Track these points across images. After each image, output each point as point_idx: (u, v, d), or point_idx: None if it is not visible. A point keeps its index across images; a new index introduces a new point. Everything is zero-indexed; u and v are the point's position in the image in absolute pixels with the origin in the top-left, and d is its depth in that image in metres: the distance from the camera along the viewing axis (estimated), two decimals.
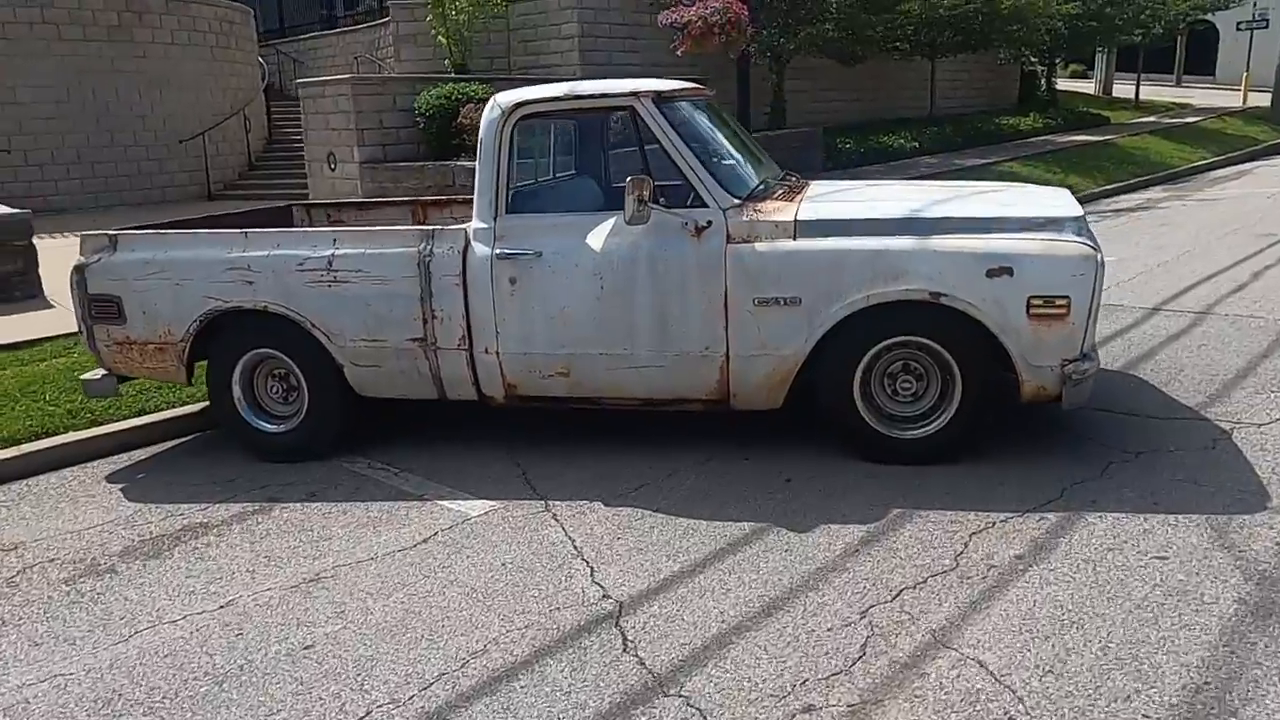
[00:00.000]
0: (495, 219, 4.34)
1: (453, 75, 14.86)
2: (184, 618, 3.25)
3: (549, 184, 4.99)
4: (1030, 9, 17.43)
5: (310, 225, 6.41)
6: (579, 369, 4.32)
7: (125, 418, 5.37)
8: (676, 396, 4.32)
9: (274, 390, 4.83)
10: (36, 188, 13.61)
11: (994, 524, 3.53)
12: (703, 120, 4.73)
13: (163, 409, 5.41)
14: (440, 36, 15.15)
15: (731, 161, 4.61)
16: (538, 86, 4.54)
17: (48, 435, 5.14)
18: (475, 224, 4.37)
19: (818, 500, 3.84)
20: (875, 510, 3.70)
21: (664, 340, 4.20)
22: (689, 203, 4.18)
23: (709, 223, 4.13)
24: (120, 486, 4.60)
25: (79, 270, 4.82)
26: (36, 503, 4.46)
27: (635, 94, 4.25)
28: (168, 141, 14.69)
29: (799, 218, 4.12)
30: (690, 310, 4.14)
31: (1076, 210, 4.14)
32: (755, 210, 4.18)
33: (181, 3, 14.86)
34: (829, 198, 4.52)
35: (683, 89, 4.57)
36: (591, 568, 3.40)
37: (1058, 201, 4.36)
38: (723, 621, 2.99)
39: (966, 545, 3.38)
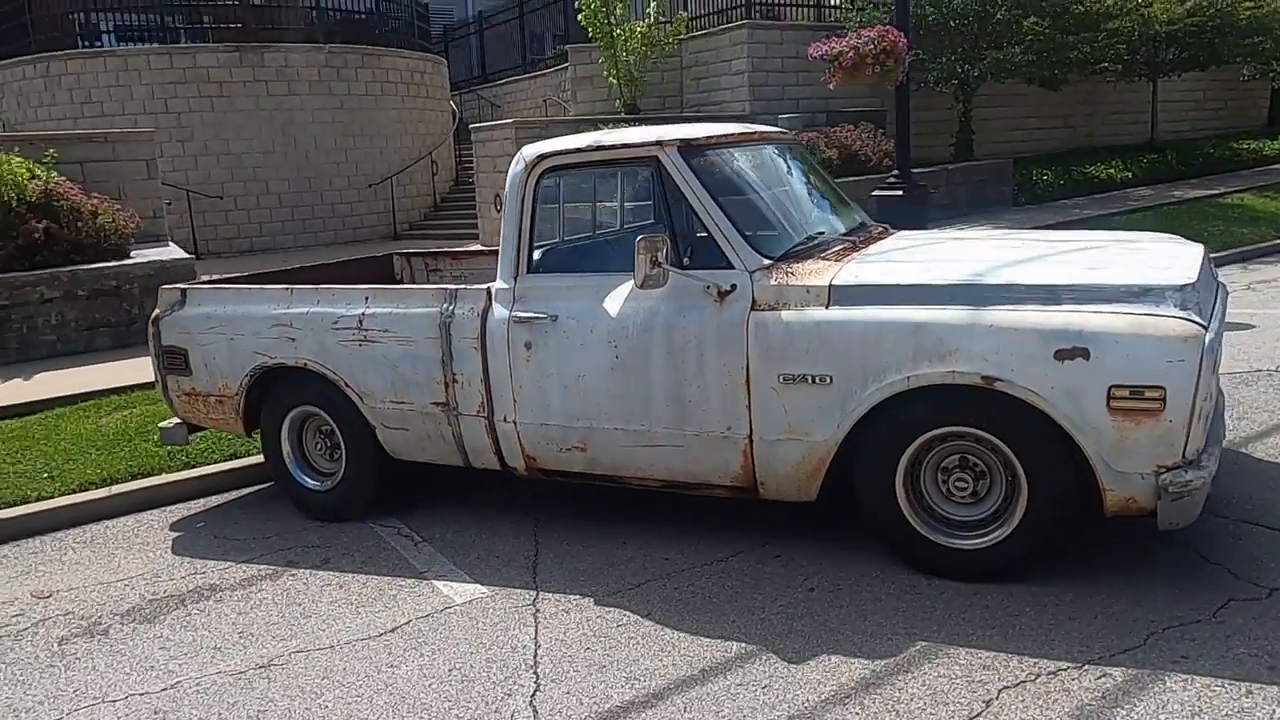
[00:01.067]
0: (516, 279, 4.06)
1: (621, 115, 14.93)
2: (124, 698, 3.14)
3: (575, 242, 4.65)
4: (1275, 17, 15.25)
5: (409, 275, 6.45)
6: (595, 444, 3.93)
7: (215, 461, 5.55)
8: (698, 481, 3.82)
9: (319, 447, 4.78)
10: (244, 230, 14.91)
11: (1037, 676, 2.78)
12: (755, 168, 4.23)
13: (249, 454, 5.53)
14: (611, 78, 15.30)
15: (777, 216, 4.08)
16: (565, 138, 4.22)
17: (144, 476, 5.38)
18: (497, 284, 4.11)
19: (834, 618, 3.22)
20: (895, 641, 3.04)
21: (682, 417, 3.73)
22: (720, 264, 3.71)
23: (733, 286, 3.64)
24: (175, 535, 4.68)
25: (155, 322, 5.00)
26: (98, 547, 4.61)
27: (659, 143, 3.83)
28: (359, 185, 15.68)
29: (834, 282, 3.53)
30: (710, 385, 3.65)
31: (1186, 275, 3.28)
32: (788, 273, 3.63)
33: (375, 57, 15.88)
34: (890, 256, 3.88)
35: (724, 135, 4.09)
36: (537, 685, 2.98)
37: (1170, 262, 3.49)
38: None
39: (989, 704, 2.67)
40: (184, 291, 5.00)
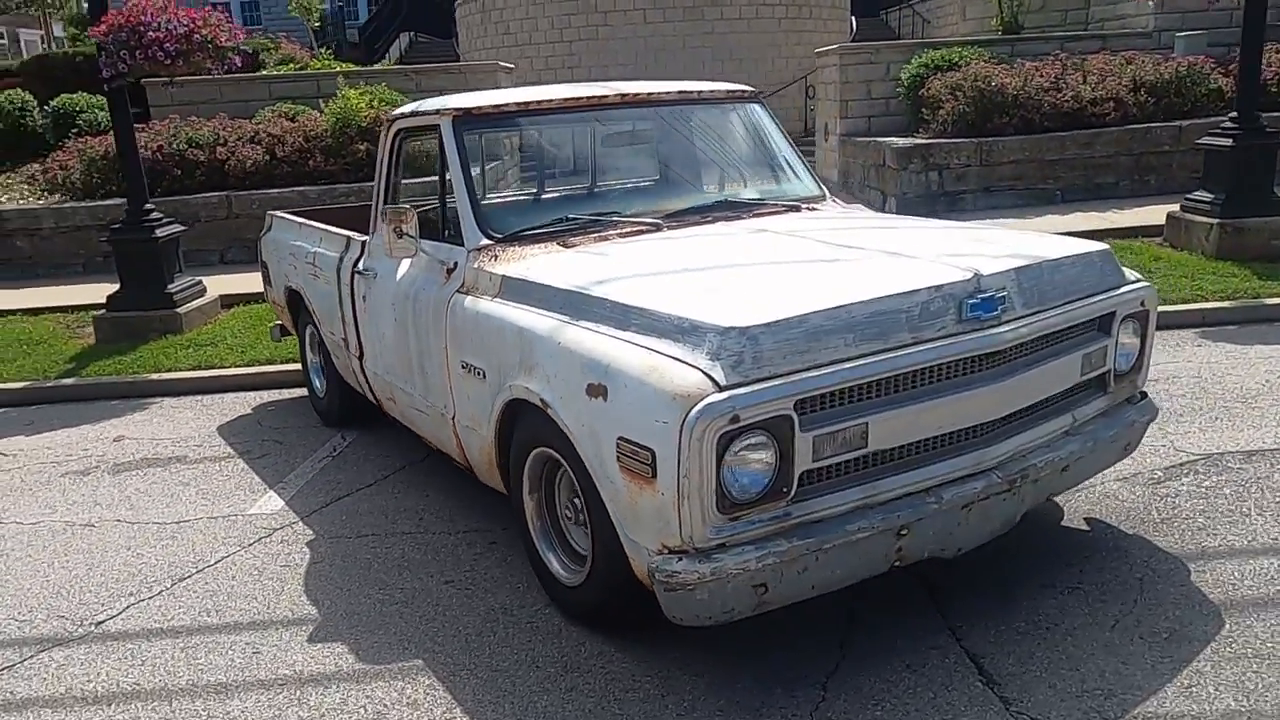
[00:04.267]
0: (371, 234, 4.35)
1: (997, 37, 13.19)
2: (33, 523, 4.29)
3: (416, 203, 4.65)
4: None
5: None
6: (397, 399, 4.15)
7: None
8: (446, 453, 3.86)
9: (321, 361, 5.59)
10: None
11: None
12: (577, 138, 3.93)
13: None
14: None
15: (557, 193, 3.78)
16: (433, 99, 4.28)
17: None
18: (369, 236, 4.44)
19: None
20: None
21: (426, 388, 3.79)
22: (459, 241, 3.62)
23: (455, 264, 3.56)
24: (243, 414, 5.91)
25: (259, 241, 6.19)
26: (201, 410, 6.02)
27: (439, 111, 3.78)
28: None
29: (506, 273, 3.28)
30: (433, 361, 3.65)
31: (760, 314, 2.44)
32: (494, 256, 3.43)
33: None
34: (627, 248, 3.39)
35: (523, 103, 3.81)
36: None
37: (809, 287, 2.61)
38: None
39: None
40: (272, 218, 6.08)
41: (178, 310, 7.79)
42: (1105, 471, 3.89)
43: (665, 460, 2.37)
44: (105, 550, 3.90)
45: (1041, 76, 10.39)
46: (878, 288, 2.63)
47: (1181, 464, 3.97)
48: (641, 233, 3.58)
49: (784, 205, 3.97)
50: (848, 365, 2.49)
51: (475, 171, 3.70)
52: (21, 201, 11.30)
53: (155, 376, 6.66)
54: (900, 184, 10.14)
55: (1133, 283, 3.22)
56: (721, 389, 2.35)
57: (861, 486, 2.60)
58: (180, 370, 6.72)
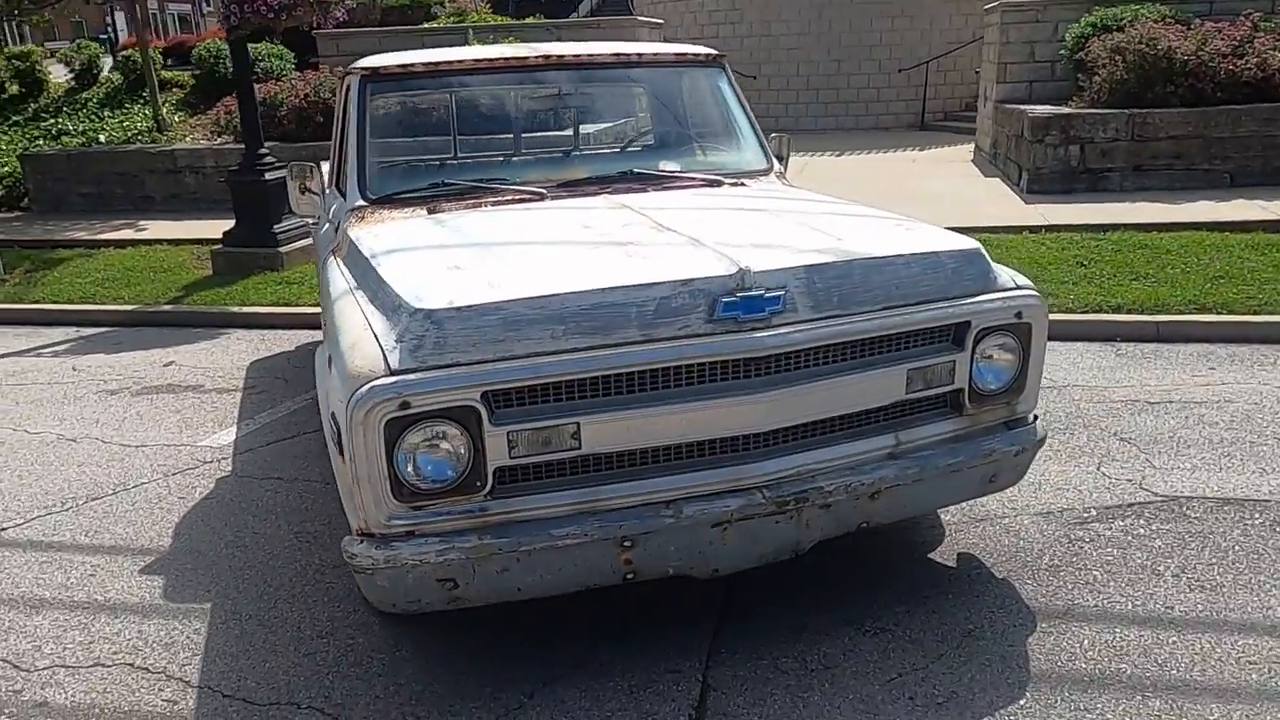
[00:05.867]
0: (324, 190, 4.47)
1: None
2: (35, 433, 4.85)
3: None
4: None
5: None
6: None
7: None
8: None
9: None
10: (773, 109, 15.77)
11: None
12: (497, 99, 3.81)
13: None
14: None
15: (454, 157, 3.69)
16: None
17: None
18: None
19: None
20: None
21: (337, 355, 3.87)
22: None
23: (339, 224, 3.60)
24: (284, 350, 6.33)
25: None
26: (255, 344, 6.51)
27: (350, 71, 3.80)
28: (889, 70, 15.11)
29: (356, 236, 3.26)
30: (330, 319, 3.72)
31: (456, 299, 2.27)
32: (360, 218, 3.43)
33: None
34: (461, 221, 3.27)
35: (448, 62, 3.75)
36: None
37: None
38: None
39: None
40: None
41: (280, 249, 8.39)
42: (1023, 503, 3.42)
43: (345, 440, 2.31)
44: (65, 464, 4.33)
45: (1222, 39, 8.98)
46: (609, 278, 2.41)
47: (1131, 504, 3.40)
48: (521, 201, 3.46)
49: (702, 179, 3.70)
50: (550, 359, 2.31)
51: (373, 131, 3.70)
52: (204, 142, 12.53)
53: (237, 309, 7.25)
54: (1034, 158, 9.15)
55: (1005, 290, 2.76)
56: (393, 373, 2.25)
57: (578, 491, 2.41)
58: (260, 305, 7.27)
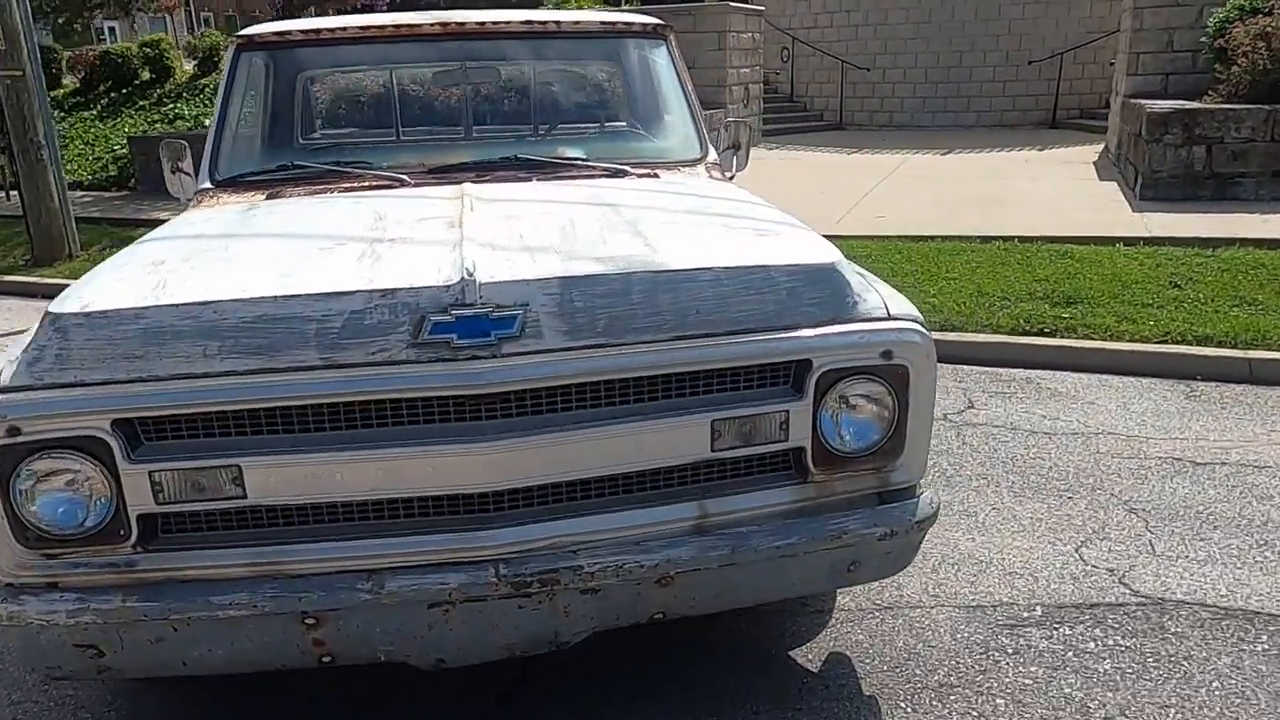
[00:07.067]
0: None
1: None
2: None
3: None
4: None
5: None
6: None
7: None
8: None
9: None
10: (887, 104, 14.72)
11: None
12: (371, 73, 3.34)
13: None
14: None
15: (322, 138, 3.24)
16: None
17: None
18: None
19: None
20: None
21: None
22: None
23: (187, 204, 3.23)
24: None
25: None
26: None
27: (232, 39, 3.41)
28: (1017, 62, 13.77)
29: (180, 219, 2.87)
30: None
31: (88, 304, 1.80)
32: (199, 202, 3.04)
33: None
34: (288, 208, 2.80)
35: (329, 30, 3.30)
36: None
37: None
38: None
39: None
40: None
41: None
42: (953, 589, 2.68)
43: None
44: None
45: None
46: (295, 284, 1.89)
47: (1095, 604, 2.60)
48: (376, 188, 2.98)
49: (603, 168, 3.12)
50: (201, 384, 1.81)
51: (241, 105, 3.31)
52: None
53: None
54: (1150, 159, 7.94)
55: (869, 321, 2.07)
56: (4, 390, 1.82)
57: (252, 549, 1.92)
58: None
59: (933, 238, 7.29)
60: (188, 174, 3.36)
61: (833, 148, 12.81)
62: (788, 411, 2.03)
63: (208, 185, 3.11)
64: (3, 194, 11.41)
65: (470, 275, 1.87)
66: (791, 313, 2.02)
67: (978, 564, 2.83)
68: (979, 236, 7.21)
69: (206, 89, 14.57)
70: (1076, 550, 2.91)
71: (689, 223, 2.38)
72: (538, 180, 3.01)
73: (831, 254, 2.12)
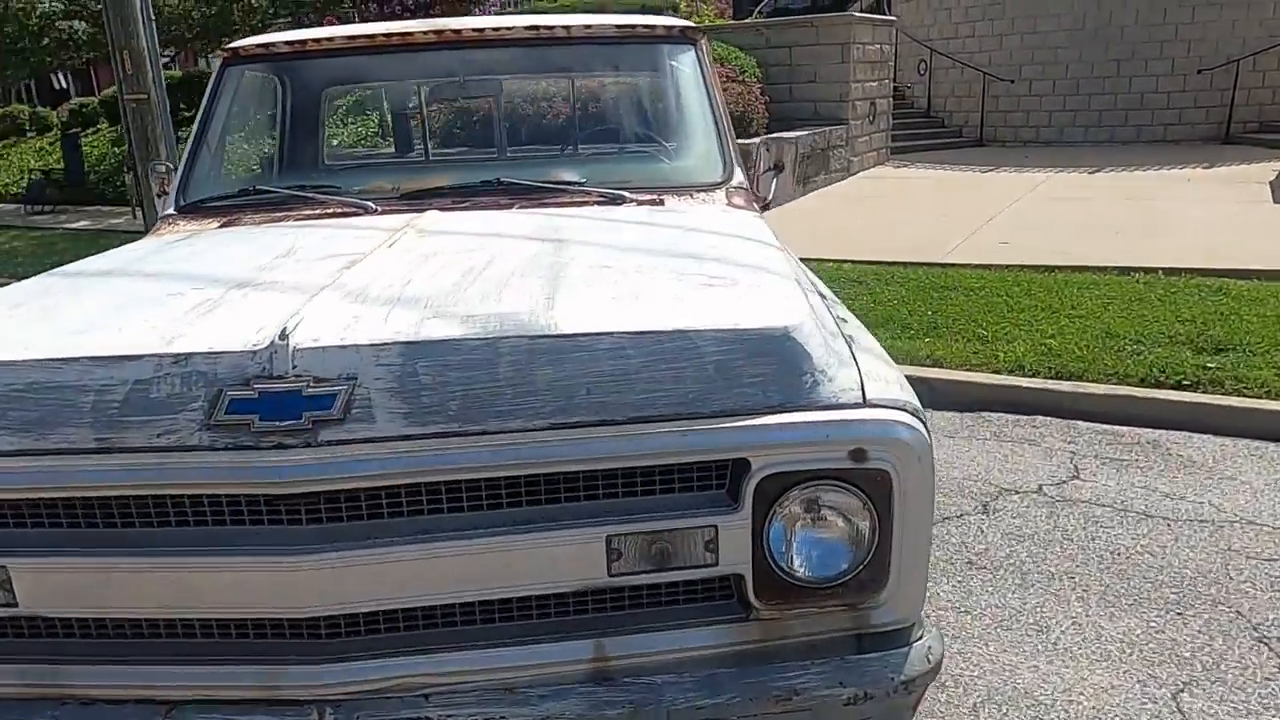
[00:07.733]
0: None
1: None
2: None
3: None
4: None
5: None
6: None
7: None
8: None
9: None
10: (1033, 118, 13.56)
11: None
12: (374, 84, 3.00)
13: None
14: None
15: (308, 158, 2.92)
16: None
17: None
18: None
19: None
20: None
21: None
22: None
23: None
24: None
25: None
26: None
27: (220, 51, 3.15)
28: (1186, 71, 12.35)
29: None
30: None
31: None
32: (158, 230, 2.77)
33: None
34: (239, 237, 2.47)
35: (315, 40, 2.98)
36: None
37: None
38: None
39: None
40: None
41: None
42: None
43: None
44: None
45: None
46: (74, 344, 1.52)
47: None
48: (338, 216, 2.63)
49: (599, 194, 2.65)
50: None
51: (220, 123, 3.04)
52: None
53: None
54: None
55: (832, 409, 1.51)
56: None
57: (24, 667, 1.56)
58: None
59: (1061, 268, 6.44)
60: (170, 195, 3.13)
61: (967, 165, 11.86)
62: (715, 528, 1.51)
63: (170, 211, 2.84)
64: (130, 214, 11.97)
65: (284, 338, 1.45)
66: (721, 395, 1.50)
67: (1035, 708, 2.19)
68: (1117, 268, 6.31)
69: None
70: (1174, 697, 2.22)
71: (632, 268, 1.88)
72: (519, 208, 2.60)
73: (789, 315, 1.58)
